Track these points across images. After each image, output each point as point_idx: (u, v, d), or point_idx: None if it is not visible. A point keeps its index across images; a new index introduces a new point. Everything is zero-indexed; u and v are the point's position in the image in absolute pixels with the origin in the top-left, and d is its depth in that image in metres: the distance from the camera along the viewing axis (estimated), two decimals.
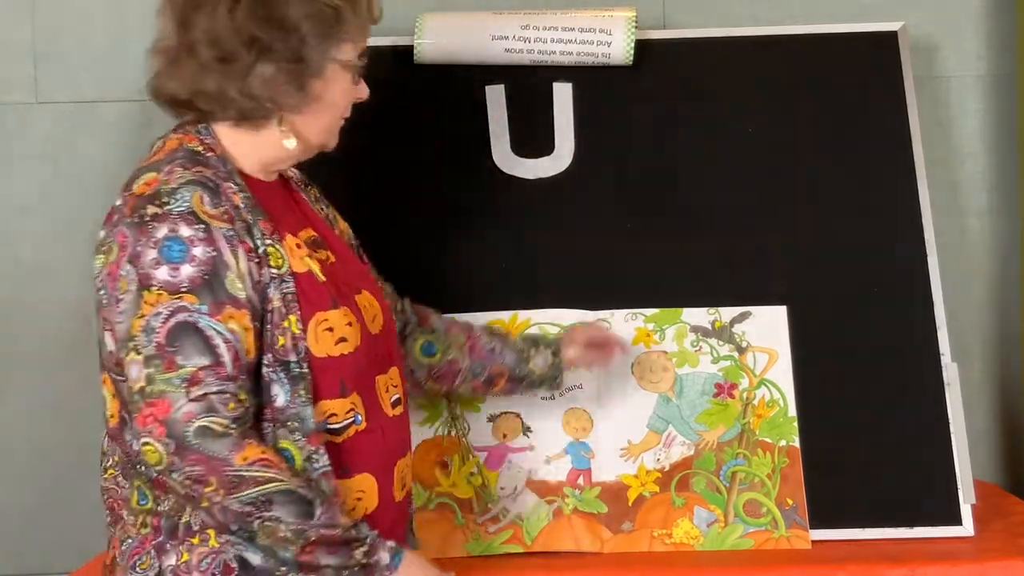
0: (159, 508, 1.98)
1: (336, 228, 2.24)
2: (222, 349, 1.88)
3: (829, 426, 2.68)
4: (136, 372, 1.88)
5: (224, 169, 2.01)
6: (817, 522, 2.60)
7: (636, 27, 2.86)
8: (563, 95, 2.89)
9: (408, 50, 2.89)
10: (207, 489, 1.85)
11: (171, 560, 1.95)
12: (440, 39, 2.88)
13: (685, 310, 2.72)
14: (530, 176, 2.86)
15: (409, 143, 2.87)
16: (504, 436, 2.64)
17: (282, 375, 1.97)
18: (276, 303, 1.96)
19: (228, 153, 2.04)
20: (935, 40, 3.10)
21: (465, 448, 2.63)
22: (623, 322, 2.70)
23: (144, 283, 1.89)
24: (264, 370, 1.96)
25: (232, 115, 2.02)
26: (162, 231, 1.90)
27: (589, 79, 2.89)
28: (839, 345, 2.74)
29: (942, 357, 2.72)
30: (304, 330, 1.99)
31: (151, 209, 1.92)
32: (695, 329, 2.70)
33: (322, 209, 2.23)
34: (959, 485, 2.64)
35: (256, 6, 1.98)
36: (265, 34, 1.98)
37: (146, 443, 1.86)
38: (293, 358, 1.97)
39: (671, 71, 2.91)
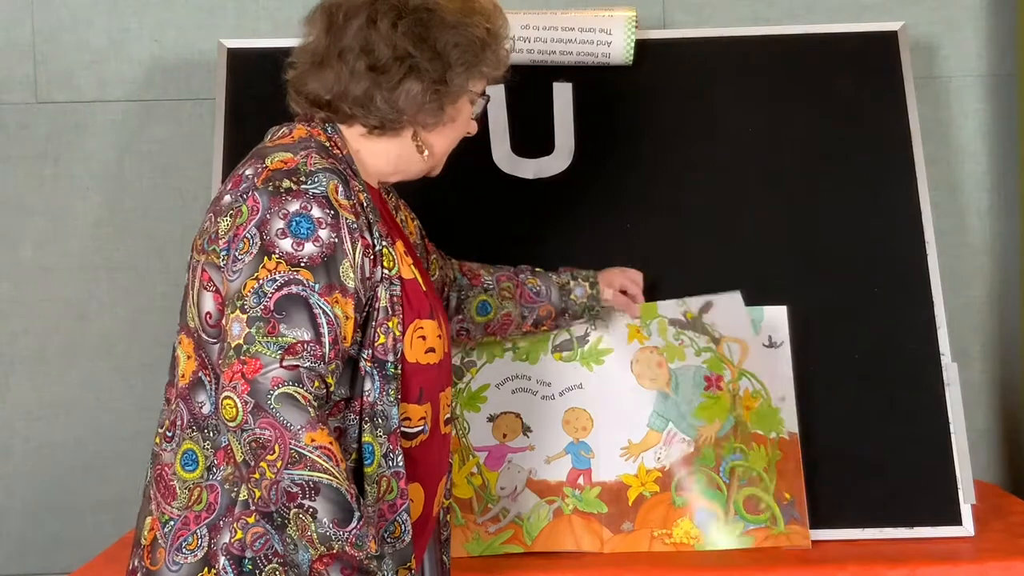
0: (212, 479, 1.99)
1: (411, 237, 2.30)
2: (324, 329, 1.92)
3: (829, 426, 2.68)
4: (238, 330, 1.91)
5: (350, 168, 2.08)
6: (817, 522, 2.61)
7: (636, 27, 2.86)
8: (563, 95, 2.89)
9: None
10: (269, 456, 1.85)
11: (224, 538, 1.96)
12: None
13: (660, 303, 2.71)
14: (530, 176, 2.86)
15: None
16: (504, 436, 2.64)
17: (376, 373, 2.01)
18: (383, 302, 2.02)
19: (351, 156, 2.10)
20: (935, 40, 3.11)
21: (465, 448, 2.63)
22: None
23: (267, 249, 1.93)
24: (362, 364, 2.01)
25: (373, 122, 2.09)
26: (294, 206, 1.94)
27: (589, 79, 2.89)
28: (839, 345, 2.74)
29: (942, 357, 2.72)
30: (403, 333, 2.04)
31: (287, 183, 1.96)
32: (673, 323, 2.70)
33: (402, 220, 2.28)
34: (959, 485, 2.64)
35: (416, 26, 2.07)
36: (418, 53, 2.06)
37: (227, 397, 1.88)
38: (390, 359, 2.02)
39: (671, 71, 2.91)
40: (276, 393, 1.87)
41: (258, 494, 1.88)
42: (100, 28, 3.10)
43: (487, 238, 2.81)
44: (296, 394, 1.87)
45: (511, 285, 2.52)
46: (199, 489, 2.00)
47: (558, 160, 2.87)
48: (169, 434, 2.04)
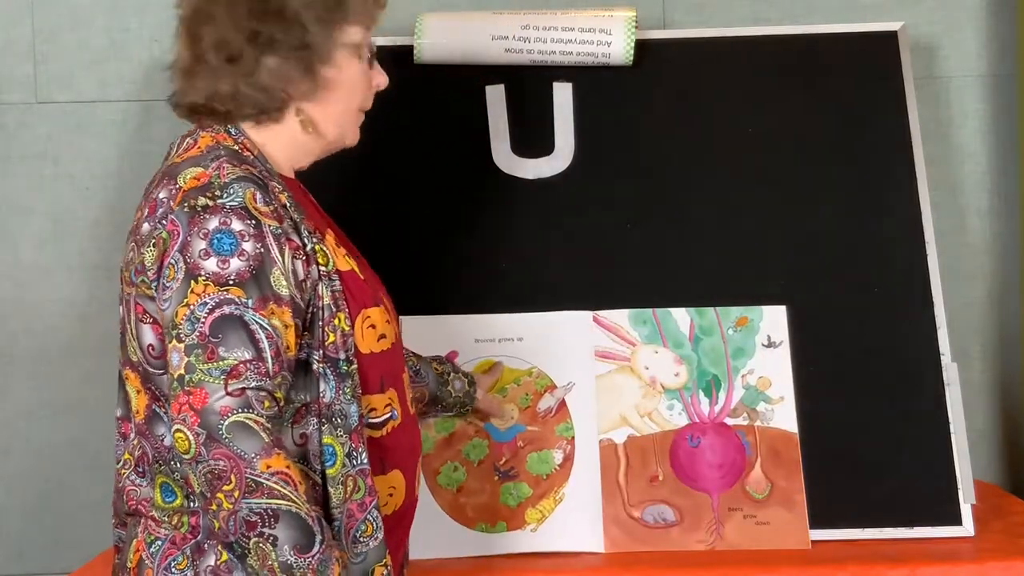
0: (193, 506, 1.97)
1: None
2: (264, 344, 1.88)
3: (829, 426, 2.68)
4: (177, 360, 1.88)
5: (265, 168, 2.03)
6: (817, 522, 2.61)
7: (636, 27, 2.86)
8: (563, 95, 2.89)
9: (408, 50, 2.89)
10: (226, 487, 1.83)
11: (210, 560, 1.93)
12: (440, 39, 2.88)
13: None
14: (530, 176, 2.86)
15: (409, 143, 2.88)
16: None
17: (330, 372, 1.98)
18: (326, 300, 1.98)
19: (261, 153, 2.06)
20: (935, 40, 3.11)
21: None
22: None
23: (192, 272, 1.89)
24: (315, 366, 1.98)
25: (250, 112, 2.04)
26: (213, 223, 1.91)
27: (589, 79, 2.89)
28: (839, 345, 2.74)
29: (942, 357, 2.72)
30: (352, 327, 2.01)
31: (203, 200, 1.92)
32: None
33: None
34: (959, 485, 2.64)
35: (252, 2, 2.00)
36: (265, 27, 2.00)
37: (178, 430, 1.86)
38: (342, 356, 1.99)
39: (671, 71, 2.91)
40: (227, 423, 1.84)
41: (217, 525, 1.86)
42: (100, 28, 3.10)
43: (487, 238, 2.81)
44: (247, 420, 1.84)
45: None
46: (179, 515, 1.98)
47: (558, 160, 2.87)
48: (140, 470, 2.02)
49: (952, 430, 2.67)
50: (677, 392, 2.70)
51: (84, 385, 3.08)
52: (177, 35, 2.08)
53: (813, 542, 2.59)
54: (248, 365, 1.87)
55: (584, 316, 2.73)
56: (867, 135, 2.86)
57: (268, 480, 1.83)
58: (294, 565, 1.83)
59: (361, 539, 1.99)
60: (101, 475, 3.06)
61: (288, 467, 1.86)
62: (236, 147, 2.03)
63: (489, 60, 2.88)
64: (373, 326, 2.05)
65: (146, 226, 1.97)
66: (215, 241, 1.90)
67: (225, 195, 1.92)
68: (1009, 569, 2.44)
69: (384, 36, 2.93)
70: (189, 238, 1.90)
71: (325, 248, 2.01)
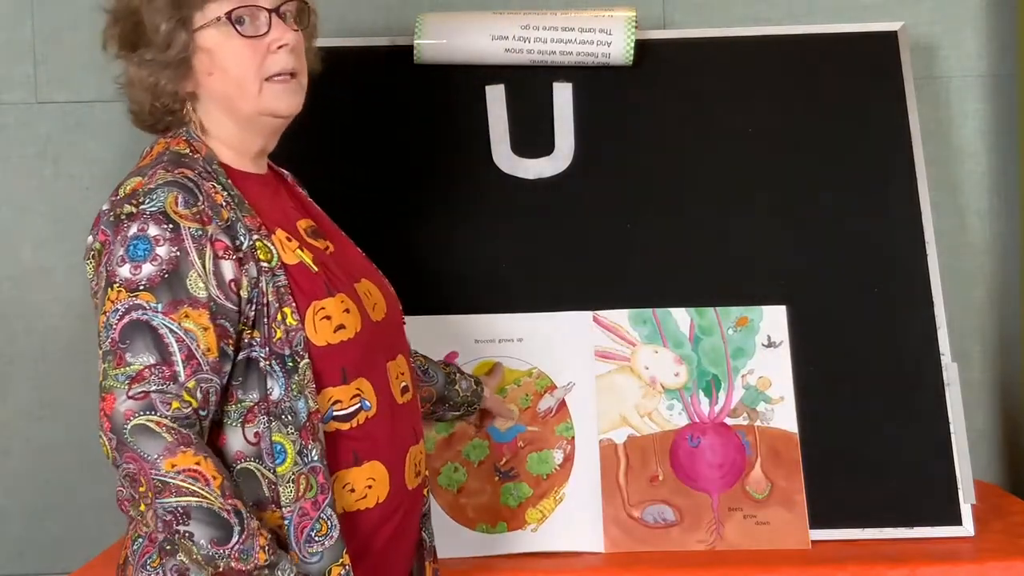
0: None
1: None
2: (174, 348, 1.90)
3: (829, 426, 2.68)
4: (99, 366, 1.92)
5: (208, 169, 2.04)
6: (817, 522, 2.61)
7: (636, 27, 2.86)
8: (563, 95, 2.89)
9: (408, 50, 2.89)
10: (141, 488, 1.87)
11: (173, 559, 1.95)
12: (440, 39, 2.88)
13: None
14: (530, 176, 2.86)
15: (409, 143, 2.87)
16: None
17: (277, 368, 1.97)
18: (269, 297, 1.98)
19: (213, 152, 2.07)
20: (935, 40, 3.11)
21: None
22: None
23: (110, 280, 1.93)
24: (261, 364, 1.97)
25: (167, 120, 2.09)
26: (132, 230, 1.94)
27: (589, 79, 2.89)
28: (839, 346, 2.74)
29: (942, 357, 2.72)
30: (301, 321, 2.00)
31: (127, 208, 1.96)
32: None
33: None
34: (959, 485, 2.64)
35: (112, 28, 2.09)
36: (128, 45, 2.07)
37: (100, 436, 1.90)
38: (287, 351, 1.98)
39: (671, 71, 2.91)
40: (130, 426, 1.87)
41: (152, 523, 1.90)
42: (100, 28, 3.09)
43: (487, 238, 2.81)
44: (148, 423, 1.87)
45: None
46: (151, 512, 2.00)
47: (558, 160, 2.87)
48: None
49: (952, 430, 2.67)
50: (677, 392, 2.70)
51: (84, 385, 3.08)
52: None
53: (813, 542, 2.59)
54: (152, 370, 1.89)
55: (584, 316, 2.73)
56: (867, 135, 2.86)
57: (175, 479, 1.86)
58: (215, 556, 1.86)
59: (316, 538, 1.98)
60: (101, 475, 3.05)
61: (198, 463, 1.87)
62: (187, 150, 2.05)
63: (489, 60, 2.88)
64: (328, 317, 2.03)
65: (89, 238, 2.01)
66: (131, 247, 1.93)
67: (147, 201, 1.95)
68: (1009, 569, 2.44)
69: (384, 36, 2.94)
70: (112, 246, 1.94)
71: (269, 244, 2.01)
